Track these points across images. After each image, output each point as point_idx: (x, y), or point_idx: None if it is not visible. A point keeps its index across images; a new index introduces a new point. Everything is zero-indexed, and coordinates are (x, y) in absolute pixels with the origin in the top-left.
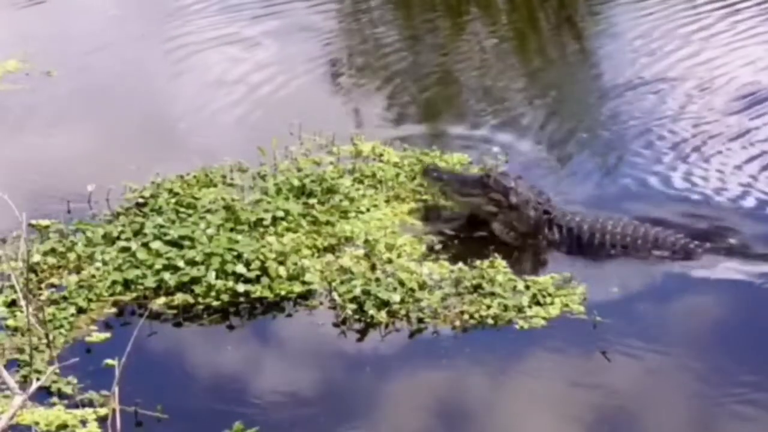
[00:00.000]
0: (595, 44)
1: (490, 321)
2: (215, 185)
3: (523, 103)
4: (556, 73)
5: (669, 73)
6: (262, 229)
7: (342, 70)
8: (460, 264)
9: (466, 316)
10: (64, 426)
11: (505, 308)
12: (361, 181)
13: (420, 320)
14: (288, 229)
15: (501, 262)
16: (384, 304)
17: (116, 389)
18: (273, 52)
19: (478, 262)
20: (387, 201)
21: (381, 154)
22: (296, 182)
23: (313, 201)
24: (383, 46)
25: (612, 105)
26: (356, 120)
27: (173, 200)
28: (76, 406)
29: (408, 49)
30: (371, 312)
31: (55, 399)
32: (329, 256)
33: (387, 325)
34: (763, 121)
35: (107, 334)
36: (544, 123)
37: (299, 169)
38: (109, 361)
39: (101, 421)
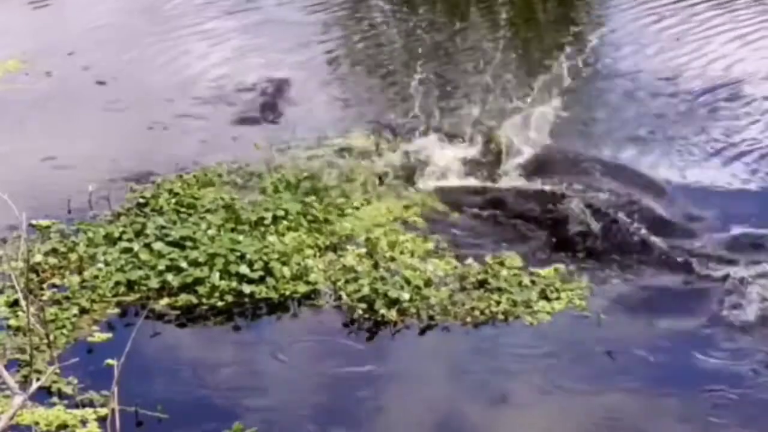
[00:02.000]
0: (591, 40)
1: (500, 317)
2: (213, 184)
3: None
4: (547, 66)
5: (657, 65)
6: (263, 228)
7: (336, 63)
8: (464, 259)
9: (476, 313)
10: (64, 426)
11: (514, 304)
12: (353, 179)
13: (431, 317)
14: (289, 228)
15: (508, 256)
16: (393, 302)
17: (115, 389)
18: (269, 48)
19: (487, 258)
20: (379, 197)
21: (375, 150)
22: (292, 180)
23: (310, 199)
24: (379, 40)
25: (601, 96)
26: (350, 114)
27: (173, 200)
28: (77, 406)
29: (405, 43)
30: (382, 311)
31: (55, 399)
32: (331, 255)
33: (396, 324)
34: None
35: (109, 335)
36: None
37: (294, 166)
38: (110, 361)
39: (101, 421)
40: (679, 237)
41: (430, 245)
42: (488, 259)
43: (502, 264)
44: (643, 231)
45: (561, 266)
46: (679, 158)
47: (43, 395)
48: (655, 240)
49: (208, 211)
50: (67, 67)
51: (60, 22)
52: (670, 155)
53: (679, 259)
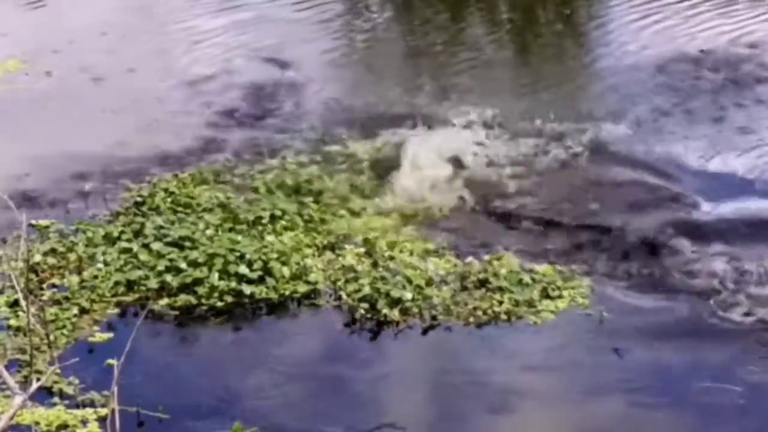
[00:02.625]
0: (590, 39)
1: (503, 316)
2: (208, 183)
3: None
4: (534, 66)
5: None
6: (261, 228)
7: (329, 62)
8: (464, 258)
9: (479, 312)
10: (65, 426)
11: (516, 303)
12: (349, 181)
13: (433, 317)
14: (286, 228)
15: (505, 254)
16: (396, 302)
17: (115, 389)
18: (261, 46)
19: (485, 256)
20: (376, 201)
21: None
22: (289, 181)
23: (307, 200)
24: (378, 40)
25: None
26: (344, 116)
27: (170, 199)
28: (78, 406)
29: (401, 41)
30: (384, 311)
31: (56, 399)
32: (329, 254)
33: (398, 323)
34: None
35: (109, 335)
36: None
37: (286, 168)
38: (111, 361)
39: (102, 421)
40: (677, 229)
41: (430, 245)
42: (486, 257)
43: (499, 260)
44: (641, 226)
45: (558, 266)
46: (681, 150)
47: (45, 396)
48: (654, 234)
49: (204, 210)
50: (66, 67)
51: (57, 20)
52: (670, 147)
53: (679, 254)
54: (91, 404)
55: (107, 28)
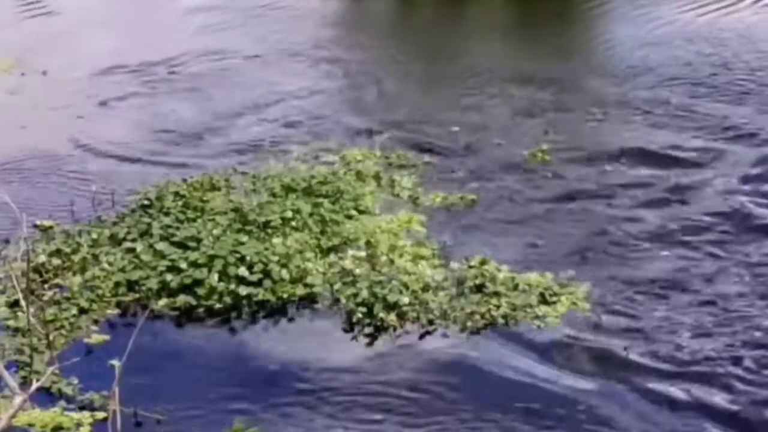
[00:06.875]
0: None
1: (500, 321)
2: (219, 189)
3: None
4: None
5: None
6: (270, 230)
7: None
8: (458, 264)
9: (477, 317)
10: (59, 428)
11: (514, 308)
12: (362, 180)
13: (430, 322)
14: (295, 229)
15: (493, 258)
16: (392, 306)
17: (116, 389)
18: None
19: (473, 261)
20: (382, 206)
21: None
22: (303, 183)
23: (322, 200)
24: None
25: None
26: (341, 124)
27: (180, 203)
28: (76, 408)
29: (398, 50)
30: (381, 315)
31: (56, 400)
32: (332, 257)
33: (395, 328)
34: None
35: (109, 335)
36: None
37: (290, 171)
38: (112, 362)
39: (98, 422)
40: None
41: (428, 251)
42: (473, 261)
43: (483, 264)
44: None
45: (553, 271)
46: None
47: (45, 396)
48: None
49: (217, 213)
50: (61, 66)
51: (54, 18)
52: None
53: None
54: (91, 405)
55: (101, 25)
